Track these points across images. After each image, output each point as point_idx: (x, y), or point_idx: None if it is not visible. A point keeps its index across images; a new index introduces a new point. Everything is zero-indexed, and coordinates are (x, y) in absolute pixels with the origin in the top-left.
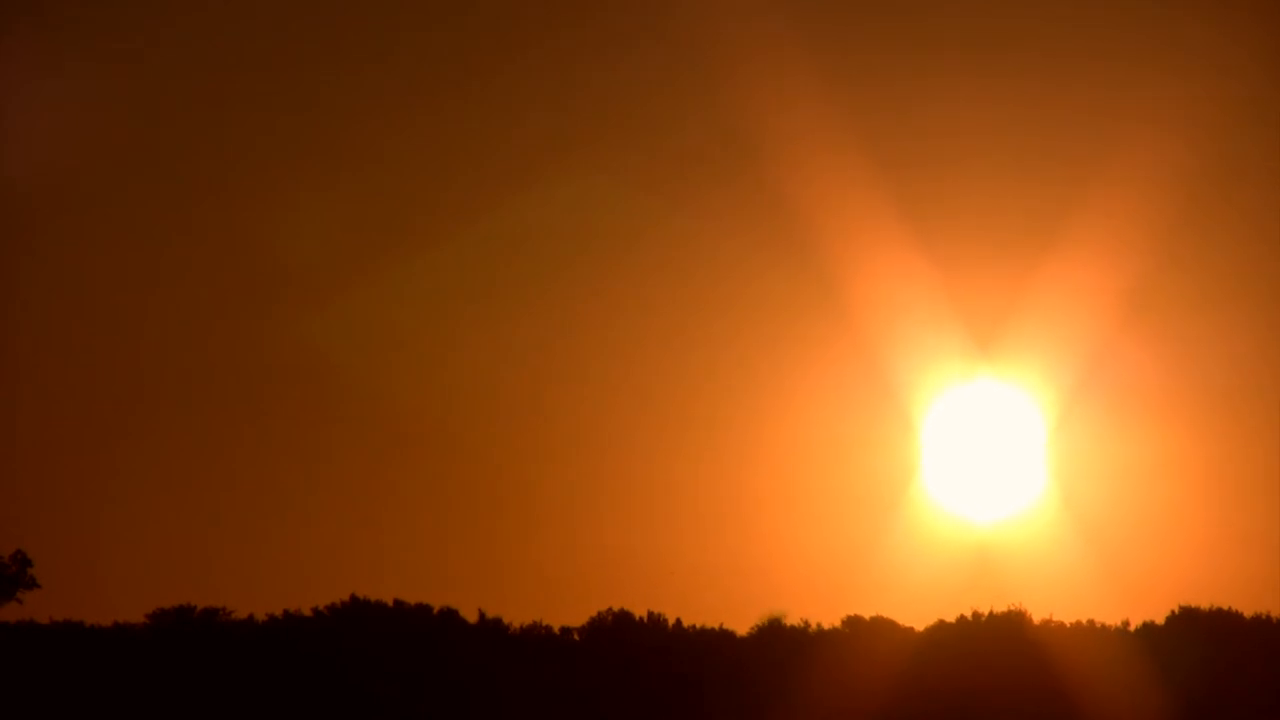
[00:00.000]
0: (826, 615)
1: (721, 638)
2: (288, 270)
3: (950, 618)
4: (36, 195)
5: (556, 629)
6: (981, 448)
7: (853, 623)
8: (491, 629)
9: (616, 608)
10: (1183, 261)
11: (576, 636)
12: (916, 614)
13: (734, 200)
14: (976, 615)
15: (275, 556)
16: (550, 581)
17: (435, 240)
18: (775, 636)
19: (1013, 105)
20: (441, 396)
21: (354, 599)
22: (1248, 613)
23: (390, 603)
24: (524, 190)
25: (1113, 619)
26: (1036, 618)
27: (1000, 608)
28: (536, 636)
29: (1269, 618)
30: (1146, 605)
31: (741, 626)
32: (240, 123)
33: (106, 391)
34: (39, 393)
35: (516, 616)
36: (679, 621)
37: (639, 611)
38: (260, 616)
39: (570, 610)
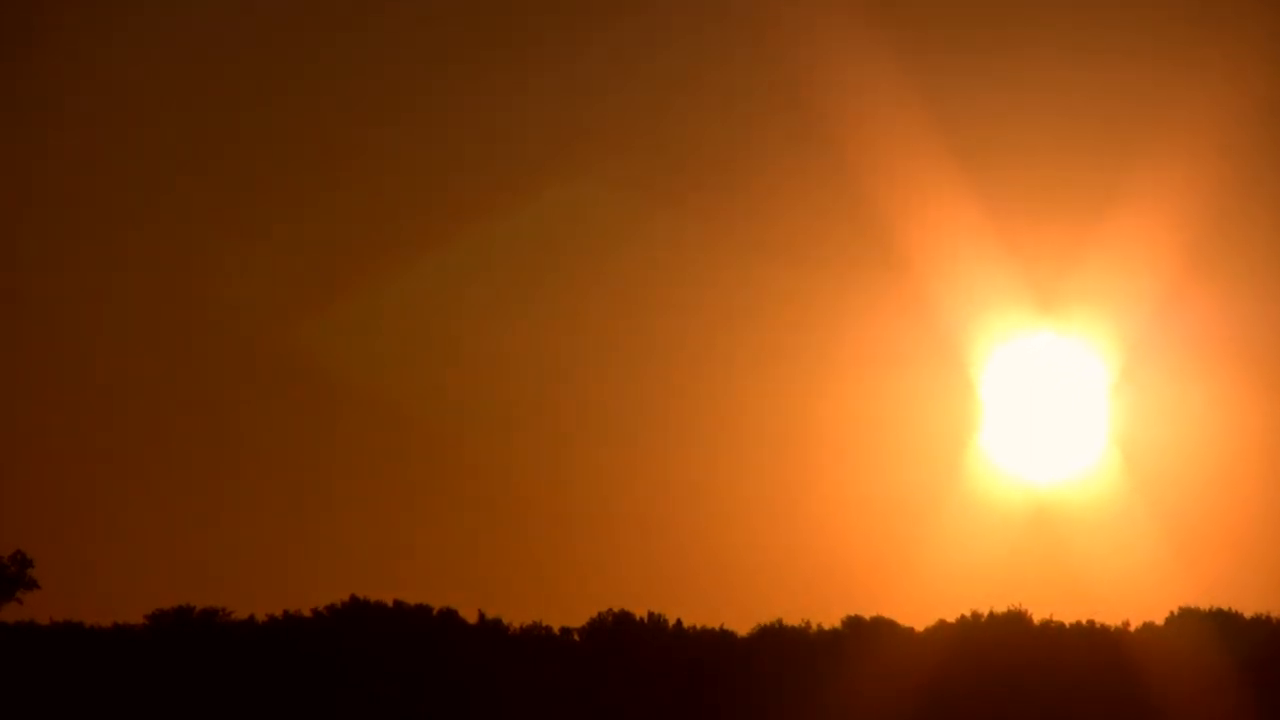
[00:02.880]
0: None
1: (721, 638)
2: (286, 272)
3: (951, 617)
4: (38, 196)
5: (556, 629)
6: (1041, 405)
7: (852, 623)
8: (491, 629)
9: (616, 608)
10: (1249, 212)
11: (576, 636)
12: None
13: (775, 156)
14: (976, 615)
15: (275, 556)
16: (550, 581)
17: (438, 241)
18: (775, 637)
19: (1076, 54)
20: (442, 397)
21: (354, 599)
22: (1248, 613)
23: (390, 603)
24: (532, 188)
25: (1114, 618)
26: (1037, 617)
27: (1001, 608)
28: (536, 637)
29: (1269, 618)
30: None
31: (743, 627)
32: (238, 127)
33: (107, 392)
34: (39, 394)
35: (516, 617)
36: (679, 622)
37: (639, 612)
38: (260, 617)
39: (570, 610)
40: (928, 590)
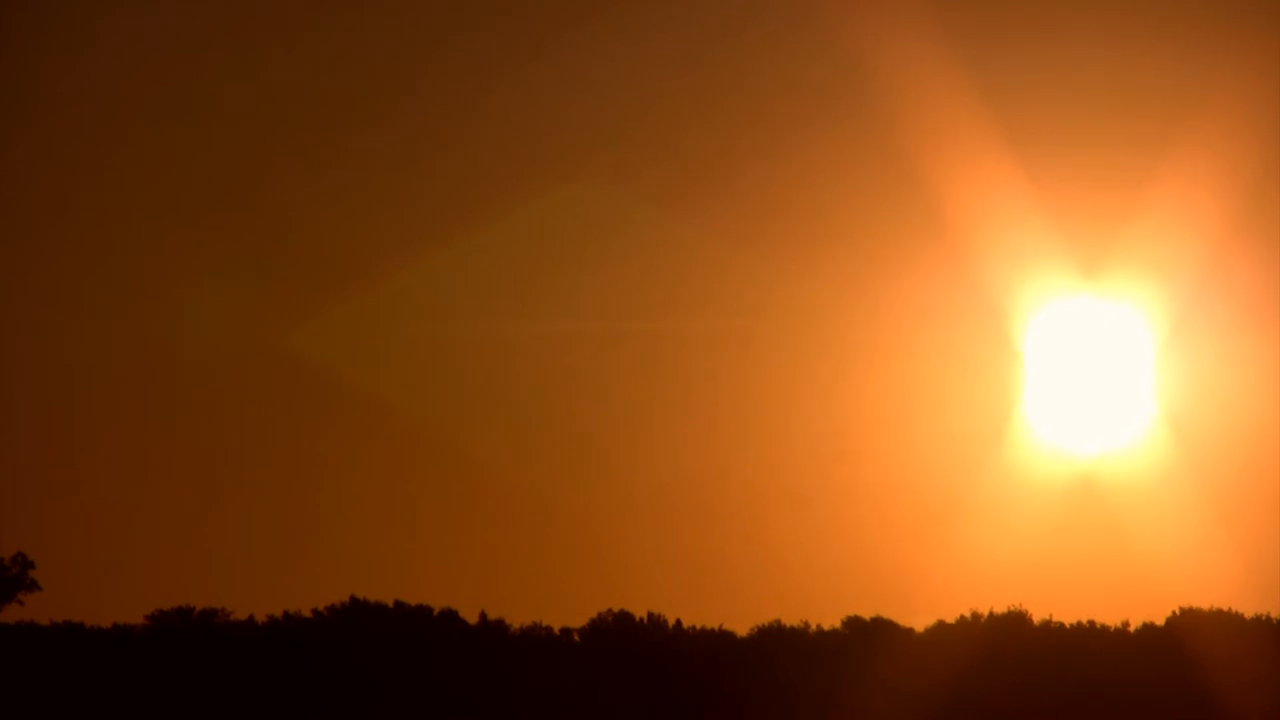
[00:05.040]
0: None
1: (721, 638)
2: (285, 273)
3: (950, 618)
4: (37, 197)
5: (557, 629)
6: (1086, 372)
7: (852, 624)
8: (492, 629)
9: (616, 608)
10: None
11: (577, 637)
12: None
13: (814, 117)
14: (976, 615)
15: (275, 556)
16: (550, 581)
17: (437, 241)
18: (774, 638)
19: (1123, 19)
20: (442, 397)
21: (354, 599)
22: (1248, 613)
23: (390, 603)
24: (532, 188)
25: (1114, 618)
26: (1037, 618)
27: (1000, 608)
28: (537, 637)
29: (1269, 618)
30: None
31: (742, 626)
32: (238, 127)
33: (107, 393)
34: (39, 394)
35: (517, 617)
36: (679, 622)
37: (639, 612)
38: (260, 617)
39: (570, 610)
40: (969, 571)
